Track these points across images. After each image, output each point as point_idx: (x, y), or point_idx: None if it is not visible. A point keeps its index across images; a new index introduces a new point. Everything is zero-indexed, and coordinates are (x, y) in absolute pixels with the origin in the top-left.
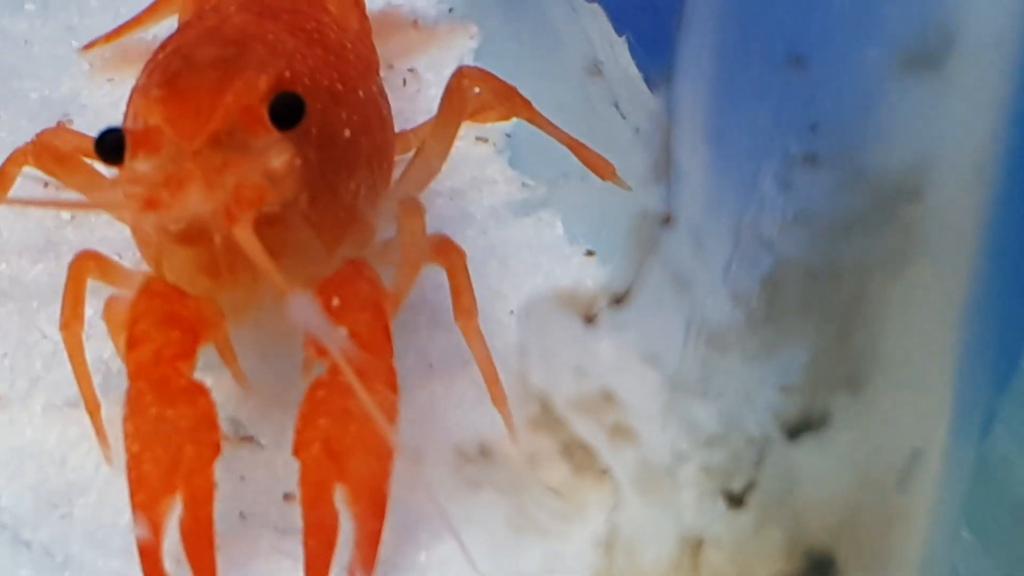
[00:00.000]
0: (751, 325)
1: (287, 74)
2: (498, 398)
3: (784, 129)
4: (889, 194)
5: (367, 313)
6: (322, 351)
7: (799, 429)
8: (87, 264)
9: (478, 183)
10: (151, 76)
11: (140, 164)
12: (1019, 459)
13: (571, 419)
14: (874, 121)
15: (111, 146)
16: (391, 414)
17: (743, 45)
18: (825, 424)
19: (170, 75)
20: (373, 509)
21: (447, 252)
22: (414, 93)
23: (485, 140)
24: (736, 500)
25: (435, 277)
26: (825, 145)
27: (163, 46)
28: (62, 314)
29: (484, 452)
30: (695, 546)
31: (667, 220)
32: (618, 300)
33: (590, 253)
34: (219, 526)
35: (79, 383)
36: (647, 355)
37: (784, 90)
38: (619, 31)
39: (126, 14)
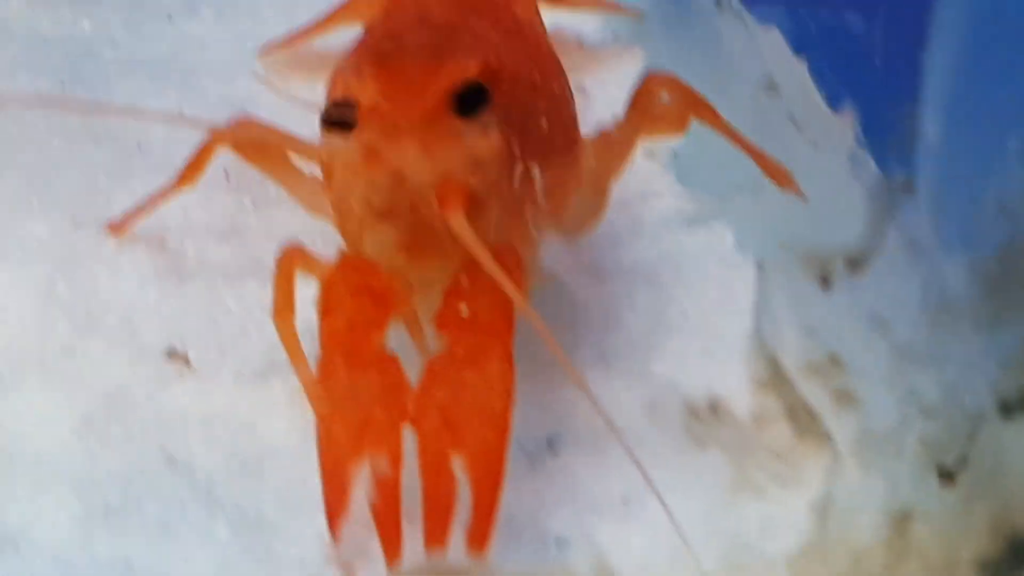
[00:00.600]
0: (983, 296)
1: (493, 60)
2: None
3: None
4: None
5: (490, 297)
6: (443, 326)
7: (1013, 407)
8: (294, 256)
9: (647, 196)
10: (361, 56)
11: (362, 134)
12: None
13: (798, 380)
14: None
15: (344, 113)
16: (506, 388)
17: (992, 21)
18: None
19: (384, 55)
20: (490, 478)
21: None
22: (583, 110)
23: (652, 156)
24: (948, 475)
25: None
26: None
27: (369, 32)
28: (273, 304)
29: (713, 409)
30: (906, 519)
31: (907, 187)
32: (854, 264)
33: (760, 264)
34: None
35: (296, 367)
36: (878, 321)
37: None
38: (798, 53)
39: (299, 23)
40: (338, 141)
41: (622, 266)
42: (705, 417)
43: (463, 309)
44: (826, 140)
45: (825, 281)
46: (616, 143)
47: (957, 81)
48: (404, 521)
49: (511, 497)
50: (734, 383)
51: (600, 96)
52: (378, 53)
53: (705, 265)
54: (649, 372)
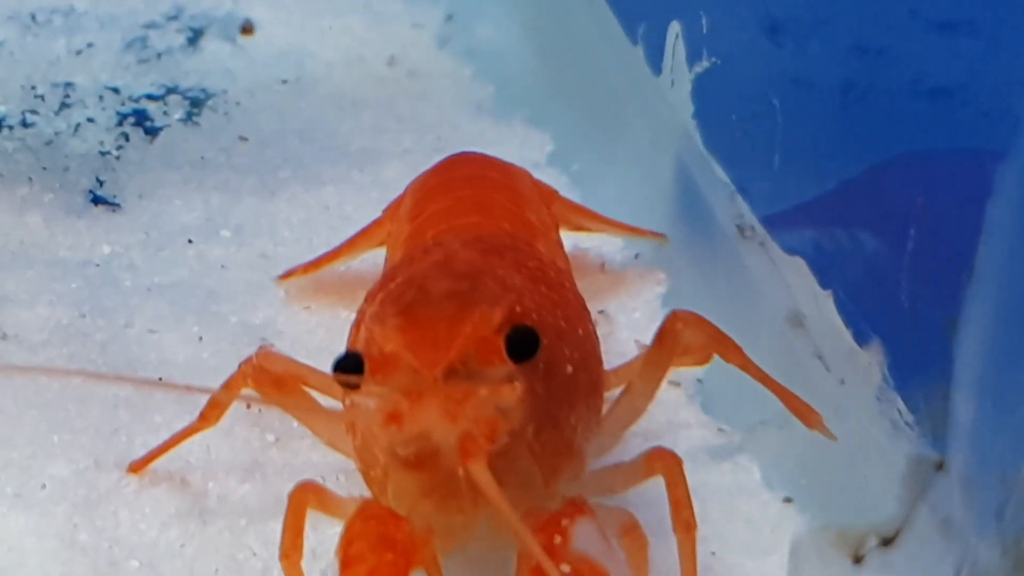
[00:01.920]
0: (1016, 573)
1: (518, 308)
2: None
3: None
4: None
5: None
6: None
7: None
8: (307, 495)
9: (673, 426)
10: (385, 305)
11: (379, 386)
12: None
13: None
14: None
15: (351, 366)
16: None
17: None
18: None
19: (407, 304)
20: None
21: (664, 459)
22: (606, 335)
23: (678, 384)
24: None
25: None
26: None
27: (390, 276)
28: (281, 543)
29: None
30: None
31: (940, 466)
32: (887, 542)
33: (788, 500)
34: None
35: None
36: None
37: None
38: (824, 285)
39: (318, 244)
40: (353, 394)
41: (646, 500)
42: None
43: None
44: (853, 377)
45: (858, 559)
46: (638, 382)
47: (987, 363)
48: None
49: None
50: None
51: (623, 321)
52: (401, 301)
53: (733, 501)
54: None
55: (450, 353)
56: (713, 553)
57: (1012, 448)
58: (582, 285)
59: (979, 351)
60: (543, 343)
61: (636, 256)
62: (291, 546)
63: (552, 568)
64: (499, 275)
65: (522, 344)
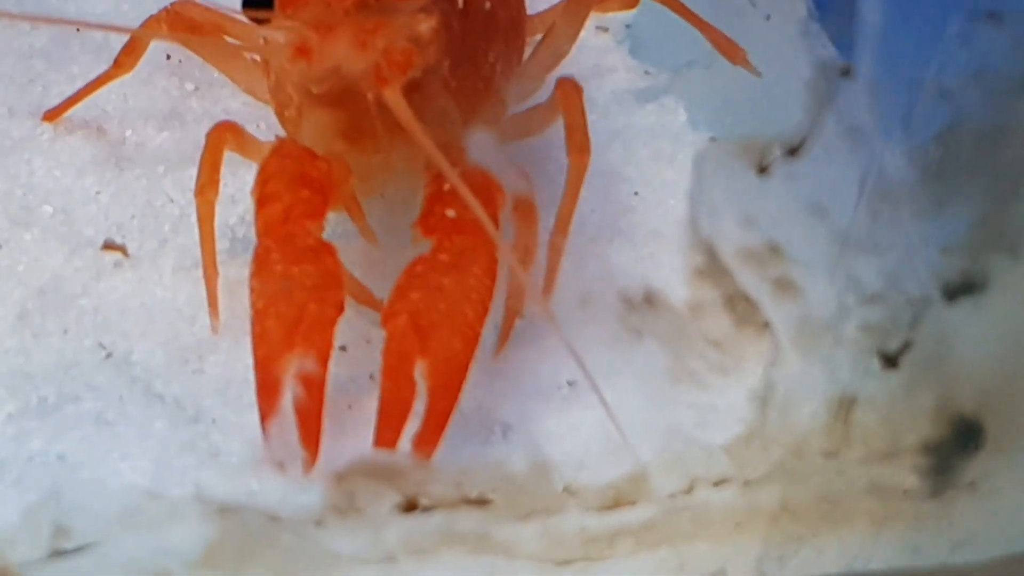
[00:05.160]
0: (922, 181)
1: None
2: (559, 237)
3: None
4: None
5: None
6: (430, 230)
7: (957, 291)
8: (225, 134)
9: (600, 70)
10: None
11: (289, 20)
12: None
13: (736, 270)
14: None
15: (261, 1)
16: (482, 299)
17: None
18: (984, 287)
19: None
20: (448, 388)
21: (562, 87)
22: None
23: (606, 30)
24: (890, 361)
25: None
26: (1009, 1)
27: None
28: (197, 180)
29: (649, 300)
30: (847, 406)
31: (846, 72)
32: (792, 151)
33: (713, 140)
34: (349, 386)
35: (203, 248)
36: (817, 208)
37: None
38: None
39: None
40: (261, 31)
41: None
42: (640, 307)
43: (449, 212)
44: (778, 12)
45: (762, 169)
46: (561, 24)
47: None
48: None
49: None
50: (670, 273)
51: None
52: None
53: (657, 142)
54: (588, 259)
55: None
56: (636, 193)
57: (920, 52)
58: None
59: None
60: None
61: None
62: (207, 182)
63: (464, 189)
64: None
65: None
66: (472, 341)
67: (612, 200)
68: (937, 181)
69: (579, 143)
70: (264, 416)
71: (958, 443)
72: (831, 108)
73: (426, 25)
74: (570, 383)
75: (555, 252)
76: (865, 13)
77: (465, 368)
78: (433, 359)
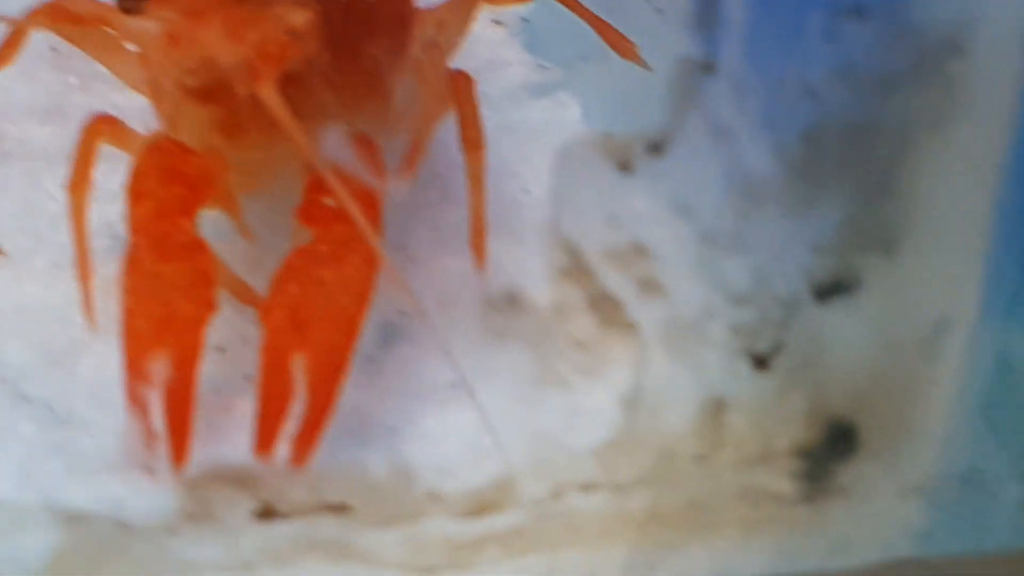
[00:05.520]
0: (789, 179)
1: None
2: (479, 239)
3: None
4: (934, 49)
5: (357, 190)
6: (309, 219)
7: (829, 291)
8: (100, 127)
9: (493, 65)
10: None
11: (163, 9)
12: None
13: (600, 270)
14: None
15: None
16: (363, 291)
17: None
18: (855, 287)
19: None
20: (327, 384)
21: (453, 80)
22: None
23: (500, 24)
24: (761, 362)
25: (447, 154)
26: None
27: None
28: (71, 175)
29: (511, 301)
30: (718, 408)
31: (708, 67)
32: (655, 148)
33: (608, 135)
34: (224, 386)
35: (76, 246)
36: (681, 206)
37: None
38: None
39: None
40: (134, 21)
41: None
42: (502, 308)
43: (328, 201)
44: (671, 5)
45: (625, 166)
46: (451, 17)
47: None
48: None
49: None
50: (533, 273)
51: None
52: None
53: (551, 138)
54: (450, 260)
55: None
56: (527, 191)
57: (783, 48)
58: None
59: None
60: None
61: None
62: (79, 177)
63: (339, 188)
64: None
65: None
66: (352, 334)
67: (500, 197)
68: (804, 179)
69: (472, 138)
70: (132, 418)
71: (831, 446)
72: (694, 105)
73: (301, 17)
74: (452, 385)
75: (479, 255)
76: (726, 7)
77: (345, 363)
78: (312, 353)
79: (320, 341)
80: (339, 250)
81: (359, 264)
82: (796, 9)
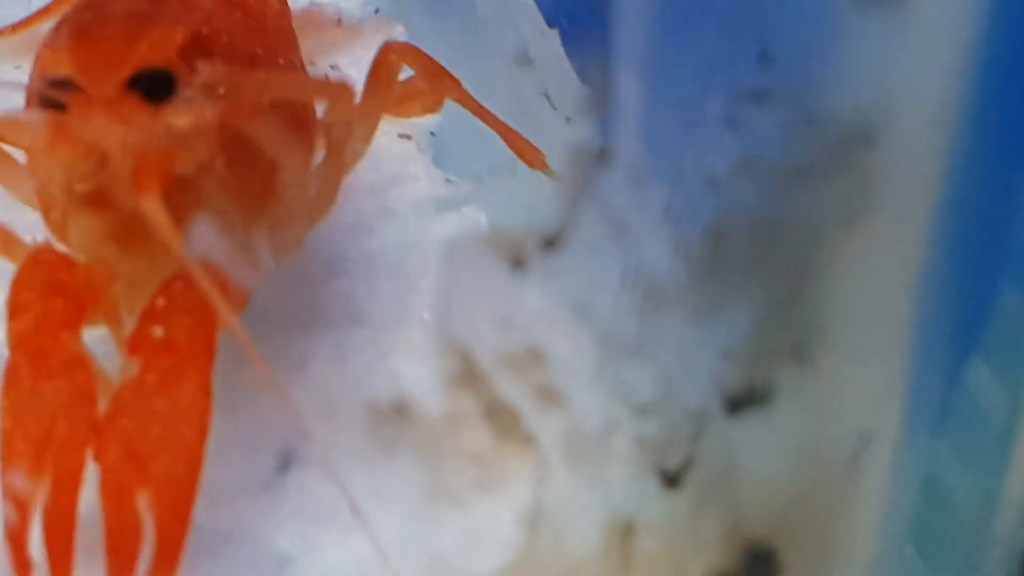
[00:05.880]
0: (692, 279)
1: (204, 30)
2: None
3: (731, 58)
4: (843, 139)
5: (189, 318)
6: (135, 349)
7: (741, 402)
8: None
9: (400, 179)
10: (60, 27)
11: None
12: (964, 483)
13: (495, 377)
14: (829, 57)
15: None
16: (199, 419)
17: None
18: (769, 398)
19: (81, 26)
20: (176, 516)
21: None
22: None
23: (408, 138)
24: (671, 479)
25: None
26: (776, 80)
27: (73, 6)
28: None
29: (400, 410)
30: (626, 529)
31: (603, 155)
32: (549, 243)
33: (498, 229)
34: None
35: None
36: (579, 307)
37: (732, 14)
38: (550, 23)
39: (38, 4)
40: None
41: (367, 255)
42: (390, 418)
43: (157, 331)
44: (578, 114)
45: (518, 264)
46: (358, 123)
47: (650, 31)
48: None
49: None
50: (424, 380)
51: (354, 74)
52: (77, 24)
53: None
54: (342, 368)
55: (122, 73)
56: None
57: (680, 135)
58: (316, 40)
59: (639, 16)
60: (231, 69)
61: (376, 11)
62: None
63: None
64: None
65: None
66: (195, 464)
67: (403, 314)
68: (709, 279)
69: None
70: (12, 543)
71: (749, 571)
72: (589, 196)
73: (191, 123)
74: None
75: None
76: (620, 89)
77: (192, 494)
78: (156, 487)
79: (162, 473)
80: (168, 380)
81: (192, 391)
82: (691, 92)
